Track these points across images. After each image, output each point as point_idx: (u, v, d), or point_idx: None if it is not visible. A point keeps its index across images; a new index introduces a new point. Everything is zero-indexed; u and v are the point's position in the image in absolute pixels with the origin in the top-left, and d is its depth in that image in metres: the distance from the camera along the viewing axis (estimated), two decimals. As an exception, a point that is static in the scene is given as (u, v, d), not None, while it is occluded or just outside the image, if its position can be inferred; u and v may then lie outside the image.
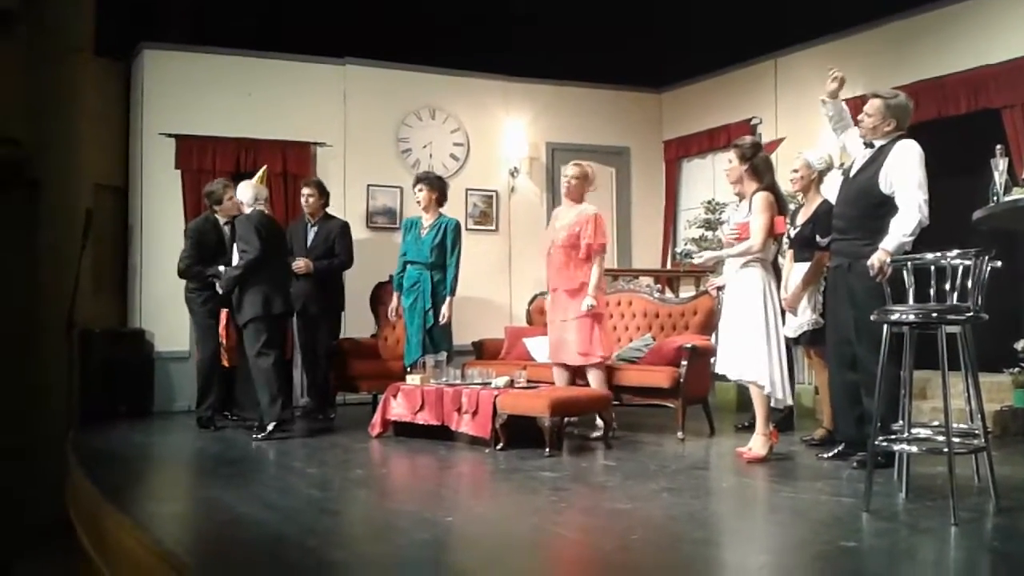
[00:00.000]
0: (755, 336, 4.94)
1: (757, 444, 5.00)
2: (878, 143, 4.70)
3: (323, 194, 7.23)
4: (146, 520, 3.75)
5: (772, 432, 5.04)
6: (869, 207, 4.62)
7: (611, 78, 9.17)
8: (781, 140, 7.93)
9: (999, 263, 3.80)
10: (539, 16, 7.56)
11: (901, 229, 4.45)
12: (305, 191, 7.08)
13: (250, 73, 8.05)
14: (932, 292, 3.82)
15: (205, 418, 6.62)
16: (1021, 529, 3.41)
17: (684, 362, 5.94)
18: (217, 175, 7.58)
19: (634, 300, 7.24)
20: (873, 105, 4.74)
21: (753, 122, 8.22)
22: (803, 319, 5.55)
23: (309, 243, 7.16)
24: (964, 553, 3.24)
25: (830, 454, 4.95)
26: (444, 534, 3.60)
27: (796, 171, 5.75)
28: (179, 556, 3.19)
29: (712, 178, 8.54)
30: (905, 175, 4.53)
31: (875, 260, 4.36)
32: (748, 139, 5.49)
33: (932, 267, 3.87)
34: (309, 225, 7.16)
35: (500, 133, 8.90)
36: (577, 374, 6.04)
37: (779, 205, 5.11)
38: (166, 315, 7.54)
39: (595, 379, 5.93)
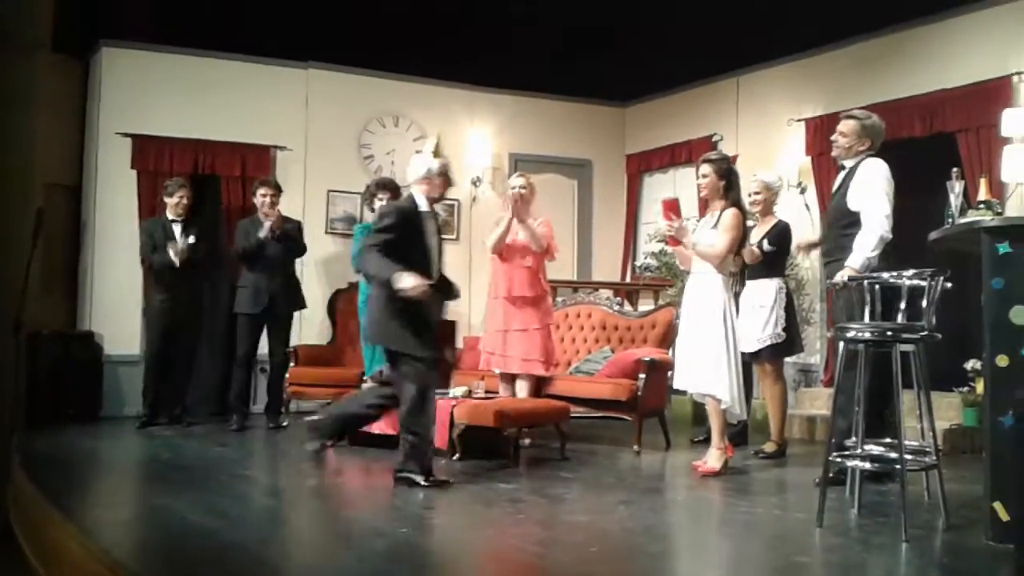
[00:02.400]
0: (715, 350, 4.94)
1: (712, 458, 5.02)
2: (849, 163, 4.81)
3: (279, 193, 7.16)
4: (93, 527, 3.66)
5: (727, 446, 5.07)
6: (844, 227, 4.73)
7: (576, 91, 9.21)
8: (733, 158, 7.99)
9: (949, 284, 3.87)
10: (506, 27, 7.56)
11: (865, 246, 4.55)
12: (263, 190, 6.96)
13: (211, 74, 7.94)
14: (877, 310, 3.88)
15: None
16: (969, 546, 3.46)
17: (642, 375, 5.96)
18: (173, 176, 7.47)
19: (593, 312, 7.25)
20: (848, 125, 4.85)
21: (714, 139, 8.31)
22: (765, 334, 5.62)
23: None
24: (914, 569, 3.28)
25: None
26: (398, 545, 3.55)
27: (757, 193, 5.85)
28: (127, 565, 3.11)
29: (673, 193, 8.59)
30: (869, 192, 4.63)
31: (840, 277, 4.44)
32: (719, 153, 5.51)
33: (888, 286, 3.93)
34: (264, 222, 6.94)
35: (464, 142, 8.88)
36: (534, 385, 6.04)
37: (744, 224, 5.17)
38: (117, 317, 7.39)
39: (527, 389, 5.95)
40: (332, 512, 4.31)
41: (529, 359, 5.94)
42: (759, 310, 5.66)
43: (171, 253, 6.74)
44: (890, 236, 4.58)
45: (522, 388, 5.99)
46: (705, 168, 5.17)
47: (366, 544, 3.56)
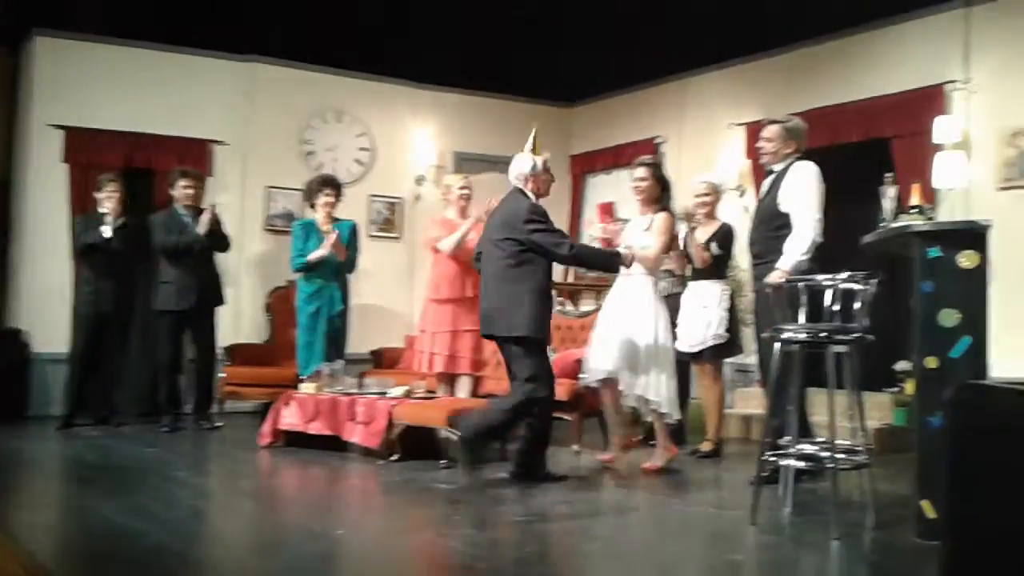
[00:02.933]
0: (652, 354, 4.98)
1: (657, 456, 5.11)
2: (778, 167, 4.86)
3: (202, 184, 7.01)
4: (16, 530, 3.54)
5: (670, 446, 5.11)
6: (775, 229, 4.78)
7: (521, 90, 9.20)
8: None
9: (876, 286, 3.94)
10: (452, 25, 7.52)
11: (795, 249, 4.61)
12: (185, 181, 6.77)
13: (148, 66, 7.73)
14: (805, 312, 3.94)
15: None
16: (897, 543, 3.53)
17: (583, 375, 5.96)
18: (106, 170, 7.26)
19: (535, 312, 7.24)
20: (771, 131, 4.92)
21: (657, 141, 8.38)
22: (707, 334, 5.66)
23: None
24: (844, 566, 3.34)
25: None
26: (334, 548, 3.50)
27: (706, 195, 5.89)
28: (50, 568, 3.01)
29: (616, 194, 8.64)
30: (800, 195, 4.70)
31: (772, 279, 4.50)
32: (654, 158, 5.64)
33: (822, 289, 4.00)
34: (185, 216, 6.76)
35: (407, 140, 8.81)
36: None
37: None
38: (46, 315, 7.15)
39: (468, 389, 5.95)
40: (265, 514, 4.23)
41: (477, 359, 5.98)
42: (702, 311, 5.71)
43: (101, 230, 6.56)
44: (820, 239, 4.66)
45: (464, 388, 5.97)
46: (642, 171, 5.23)
47: (300, 547, 3.49)
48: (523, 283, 4.63)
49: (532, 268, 4.67)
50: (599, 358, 5.15)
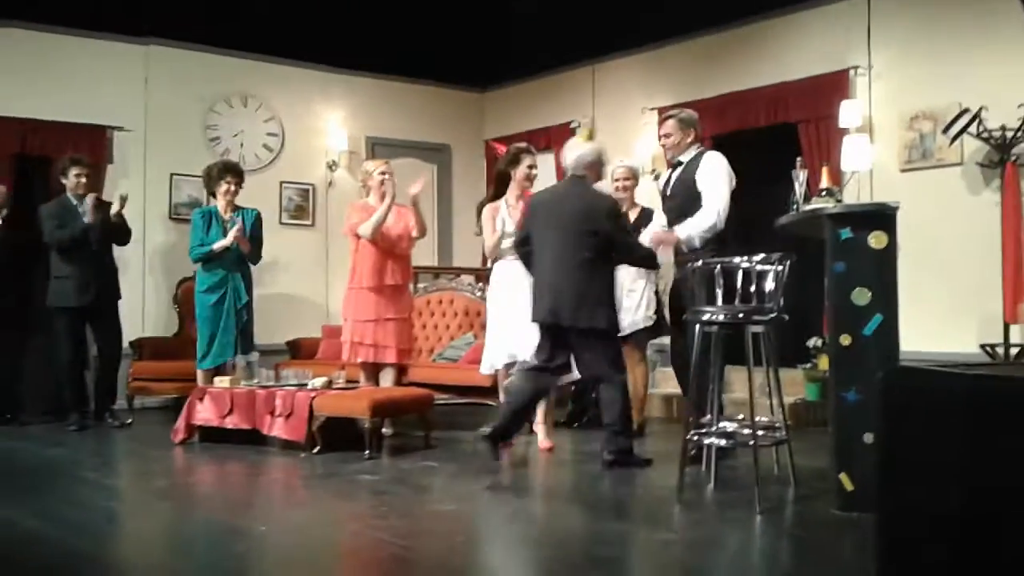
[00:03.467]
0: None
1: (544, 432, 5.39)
2: (685, 158, 4.92)
3: (94, 173, 6.70)
4: (-92, 544, 3.32)
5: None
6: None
7: (433, 75, 9.11)
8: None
9: (789, 267, 4.04)
10: (362, 8, 7.37)
11: (698, 224, 4.72)
12: (77, 169, 6.42)
13: (40, 49, 7.34)
14: (719, 293, 4.03)
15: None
16: (818, 516, 3.65)
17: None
18: (-1, 159, 6.90)
19: (455, 298, 7.23)
20: (669, 125, 4.99)
21: (572, 125, 8.41)
22: (637, 316, 5.71)
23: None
24: (769, 540, 3.43)
25: None
26: (257, 545, 3.41)
27: (627, 179, 5.93)
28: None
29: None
30: (713, 183, 4.78)
31: (660, 236, 4.73)
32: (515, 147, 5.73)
33: (739, 270, 4.08)
34: (77, 206, 6.41)
35: (318, 125, 8.62)
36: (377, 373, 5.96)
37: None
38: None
39: (392, 378, 5.91)
40: (183, 514, 4.09)
41: (403, 348, 5.89)
42: (630, 294, 5.75)
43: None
44: (721, 227, 4.73)
45: (388, 377, 5.88)
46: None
47: (222, 545, 3.39)
48: (604, 277, 4.73)
49: (609, 262, 4.78)
50: (504, 345, 5.33)
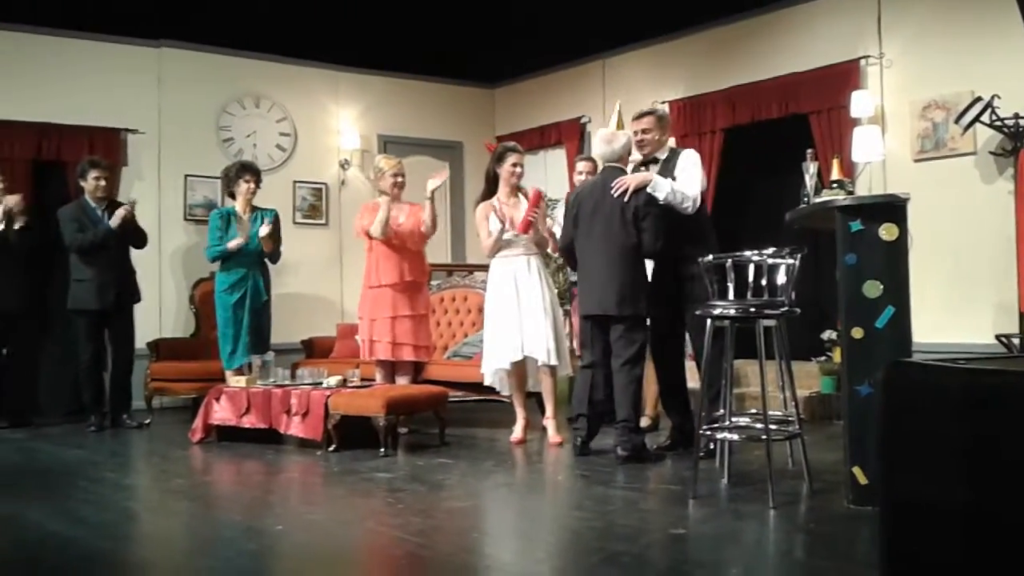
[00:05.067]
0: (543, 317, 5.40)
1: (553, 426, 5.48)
2: (661, 155, 4.98)
3: (114, 175, 6.77)
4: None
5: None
6: (678, 212, 4.84)
7: (444, 72, 9.12)
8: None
9: (800, 260, 4.04)
10: (371, 6, 7.39)
11: (680, 189, 4.79)
12: (95, 172, 6.49)
13: (54, 53, 7.41)
14: (729, 287, 4.02)
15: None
16: (832, 510, 3.64)
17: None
18: (15, 163, 6.98)
19: (469, 295, 7.24)
20: (649, 121, 5.04)
21: (583, 121, 8.41)
22: None
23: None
24: (782, 535, 3.43)
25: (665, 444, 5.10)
26: (274, 544, 3.44)
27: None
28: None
29: (544, 175, 8.66)
30: (691, 173, 4.88)
31: (635, 177, 4.79)
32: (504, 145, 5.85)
33: (750, 264, 4.08)
34: (99, 209, 6.51)
35: (330, 124, 8.66)
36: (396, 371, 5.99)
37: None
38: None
39: (409, 376, 5.95)
40: (202, 513, 4.13)
41: (419, 345, 5.92)
42: None
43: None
44: (693, 211, 4.82)
45: (405, 375, 5.91)
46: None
47: (239, 544, 3.42)
48: (642, 267, 4.91)
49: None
50: (505, 348, 5.45)
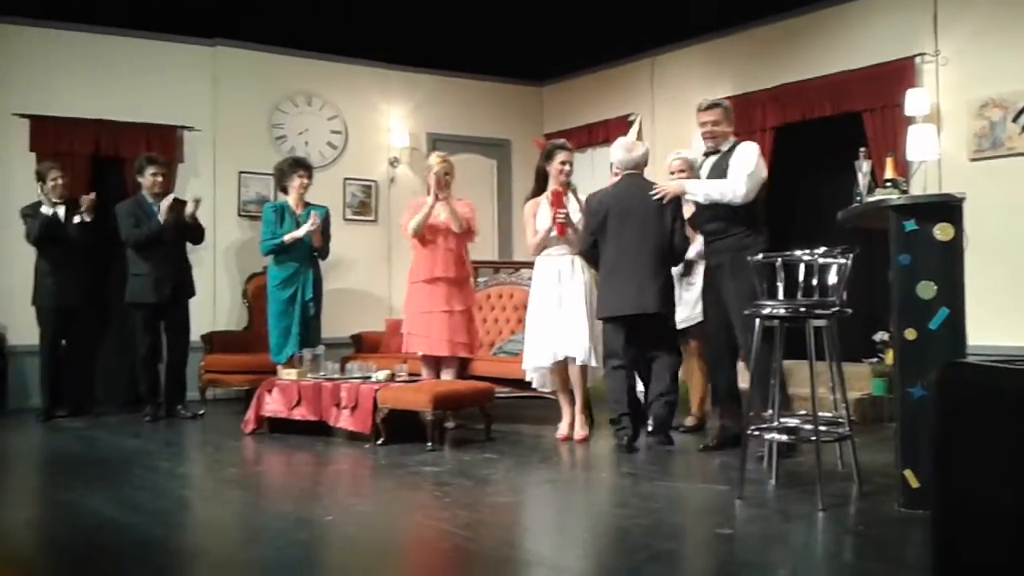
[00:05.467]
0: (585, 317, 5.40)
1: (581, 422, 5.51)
2: (724, 147, 4.96)
3: (171, 171, 6.92)
4: (1, 527, 3.50)
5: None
6: (725, 206, 4.83)
7: (493, 70, 9.16)
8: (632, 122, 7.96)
9: (852, 260, 3.99)
10: (422, 5, 7.45)
11: (716, 187, 4.84)
12: (153, 168, 6.64)
13: (113, 52, 7.61)
14: (780, 286, 3.99)
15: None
16: (882, 513, 3.59)
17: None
18: (75, 159, 7.19)
19: (515, 292, 7.27)
20: (717, 112, 5.02)
21: (631, 119, 8.35)
22: (695, 312, 5.63)
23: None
24: (831, 537, 3.40)
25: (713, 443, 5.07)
26: (323, 534, 3.51)
27: (681, 171, 5.88)
28: (38, 566, 2.98)
29: (591, 172, 8.64)
30: (740, 162, 4.86)
31: (671, 185, 4.99)
32: (553, 143, 5.78)
33: (800, 263, 4.05)
34: (155, 204, 6.63)
35: (380, 122, 8.75)
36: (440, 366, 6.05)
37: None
38: (19, 307, 7.02)
39: (454, 372, 6.00)
40: (254, 502, 4.22)
41: (455, 341, 5.94)
42: (689, 287, 5.71)
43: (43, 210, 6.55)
44: (738, 201, 4.81)
45: (449, 371, 5.97)
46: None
47: (289, 534, 3.49)
48: (669, 268, 5.20)
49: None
50: (548, 345, 5.46)
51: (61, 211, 6.61)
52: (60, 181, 6.65)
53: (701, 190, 4.91)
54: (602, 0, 7.27)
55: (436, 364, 6.00)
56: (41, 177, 6.67)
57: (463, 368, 6.12)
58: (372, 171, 8.71)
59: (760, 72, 7.36)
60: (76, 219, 6.60)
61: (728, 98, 7.51)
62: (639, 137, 6.02)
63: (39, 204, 6.64)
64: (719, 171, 4.92)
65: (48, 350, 6.67)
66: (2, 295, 7.18)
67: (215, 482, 4.66)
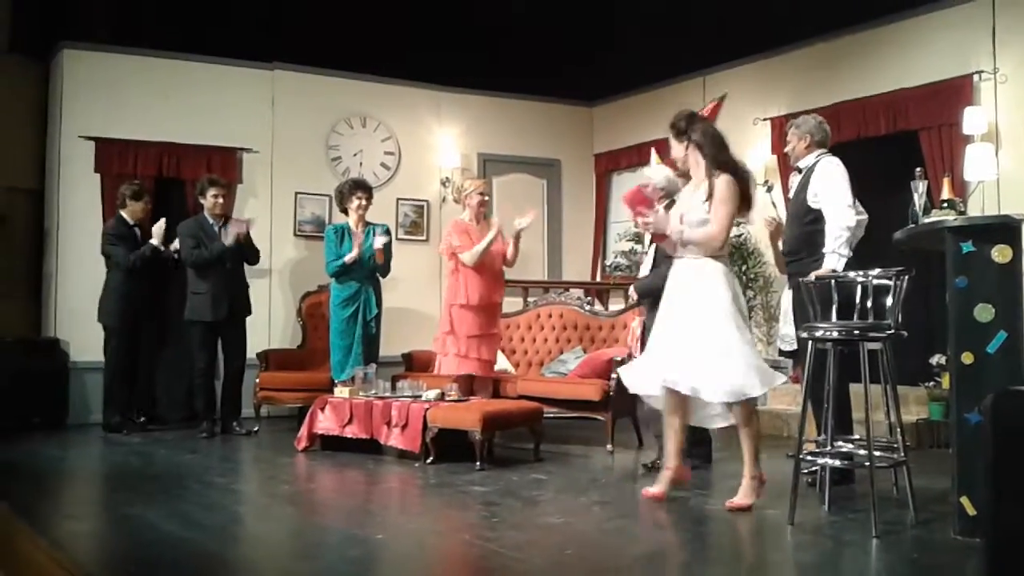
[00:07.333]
0: (732, 344, 4.10)
1: (745, 491, 4.13)
2: (804, 164, 4.88)
3: (232, 192, 7.11)
4: (63, 540, 3.61)
5: (759, 474, 4.18)
6: (805, 224, 4.77)
7: (543, 91, 9.23)
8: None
9: (908, 282, 3.92)
10: (473, 28, 7.56)
11: (830, 247, 4.61)
12: (215, 190, 6.82)
13: (175, 76, 7.84)
14: (833, 308, 3.93)
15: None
16: (938, 540, 3.52)
17: (614, 375, 5.98)
18: (140, 180, 7.38)
19: (564, 312, 7.28)
20: (788, 132, 5.03)
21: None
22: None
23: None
24: (884, 565, 3.33)
25: None
26: (374, 551, 3.55)
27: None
28: (98, 578, 3.07)
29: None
30: (828, 189, 4.70)
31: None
32: (682, 112, 4.49)
33: (856, 285, 4.00)
34: (216, 225, 6.82)
35: (432, 143, 8.86)
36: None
37: (743, 188, 4.24)
38: (82, 324, 7.24)
39: (488, 391, 6.11)
40: (306, 518, 4.29)
41: (484, 360, 6.07)
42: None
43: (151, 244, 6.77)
44: (853, 223, 4.63)
45: (484, 390, 6.06)
46: (668, 136, 4.47)
47: (341, 551, 3.54)
48: None
49: None
50: (658, 366, 4.26)
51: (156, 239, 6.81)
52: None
53: (832, 263, 4.53)
54: (653, 20, 7.29)
55: (469, 385, 6.03)
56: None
57: (497, 388, 6.24)
58: (424, 191, 8.81)
59: (814, 90, 7.29)
60: (173, 246, 6.81)
61: (781, 116, 7.51)
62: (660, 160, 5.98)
63: (123, 224, 6.89)
64: (801, 191, 4.85)
65: (112, 367, 6.85)
66: (66, 312, 7.42)
67: (269, 498, 4.74)
